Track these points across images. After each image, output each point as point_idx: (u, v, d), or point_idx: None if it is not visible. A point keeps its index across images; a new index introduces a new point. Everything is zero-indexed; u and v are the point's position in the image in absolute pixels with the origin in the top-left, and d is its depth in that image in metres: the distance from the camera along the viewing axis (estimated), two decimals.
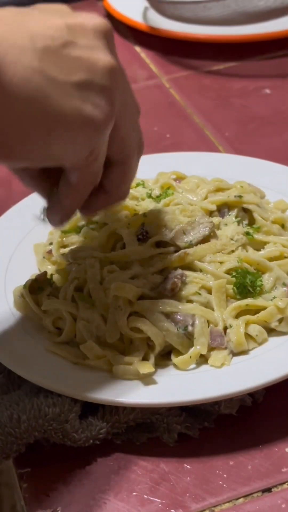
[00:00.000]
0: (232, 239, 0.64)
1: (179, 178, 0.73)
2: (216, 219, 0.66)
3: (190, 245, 0.63)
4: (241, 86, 1.02)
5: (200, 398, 0.54)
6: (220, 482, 0.53)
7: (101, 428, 0.55)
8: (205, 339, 0.58)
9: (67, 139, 0.46)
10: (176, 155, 0.81)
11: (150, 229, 0.64)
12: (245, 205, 0.68)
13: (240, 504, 0.52)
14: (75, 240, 0.67)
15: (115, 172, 0.54)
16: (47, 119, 0.45)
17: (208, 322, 0.59)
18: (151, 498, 0.52)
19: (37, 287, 0.64)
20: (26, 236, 0.70)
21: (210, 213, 0.67)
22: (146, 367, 0.56)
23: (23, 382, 0.58)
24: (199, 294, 0.60)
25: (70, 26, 0.47)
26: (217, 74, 1.06)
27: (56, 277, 0.64)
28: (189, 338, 0.58)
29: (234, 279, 0.61)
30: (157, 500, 0.52)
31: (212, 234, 0.64)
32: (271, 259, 0.64)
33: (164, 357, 0.59)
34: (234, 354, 0.58)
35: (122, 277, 0.60)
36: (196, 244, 0.63)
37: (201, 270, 0.62)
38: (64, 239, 0.67)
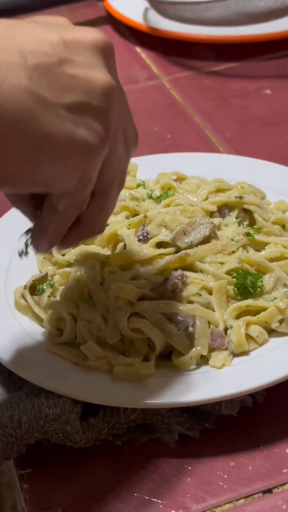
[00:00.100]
0: (232, 240, 0.64)
1: (180, 178, 0.73)
2: (216, 220, 0.66)
3: (191, 246, 0.63)
4: (241, 86, 1.02)
5: (201, 399, 0.54)
6: (221, 483, 0.53)
7: (101, 429, 0.55)
8: (206, 340, 0.58)
9: (56, 165, 0.43)
10: (177, 155, 0.81)
11: (150, 230, 0.64)
12: (245, 206, 0.68)
13: (241, 505, 0.52)
14: None
15: (93, 203, 0.49)
16: (34, 142, 0.42)
17: (209, 323, 0.59)
18: (152, 499, 0.52)
19: (38, 288, 0.64)
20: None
21: (211, 214, 0.67)
22: (146, 368, 0.56)
23: (23, 383, 0.58)
24: (200, 295, 0.60)
25: (67, 42, 0.43)
26: (217, 75, 1.06)
27: (56, 278, 0.64)
28: (190, 339, 0.58)
29: (234, 280, 0.61)
30: (157, 501, 0.52)
31: (212, 235, 0.64)
32: (271, 259, 0.64)
33: (165, 358, 0.59)
34: (235, 355, 0.58)
35: (122, 278, 0.60)
36: (196, 245, 0.63)
37: (201, 271, 0.62)
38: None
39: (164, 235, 0.64)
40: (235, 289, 0.61)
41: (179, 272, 0.61)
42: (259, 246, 0.65)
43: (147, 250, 0.63)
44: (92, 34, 0.45)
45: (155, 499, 0.52)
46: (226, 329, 0.59)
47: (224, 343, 0.58)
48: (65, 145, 0.43)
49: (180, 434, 0.55)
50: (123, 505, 0.52)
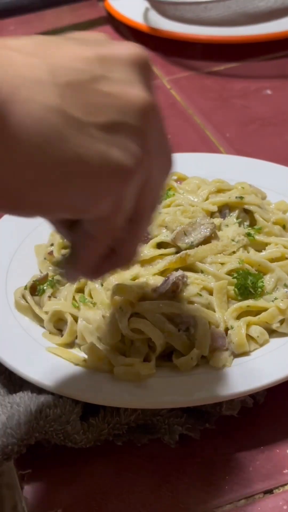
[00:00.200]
0: (233, 240, 0.64)
1: (180, 179, 0.73)
2: (217, 220, 0.66)
3: (191, 246, 0.63)
4: (242, 86, 1.02)
5: (201, 399, 0.54)
6: (222, 484, 0.53)
7: (102, 429, 0.55)
8: (206, 340, 0.58)
9: (87, 189, 0.40)
10: (177, 156, 0.81)
11: (151, 230, 0.64)
12: (246, 206, 0.67)
13: (242, 506, 0.51)
14: None
15: (127, 229, 0.45)
16: (63, 165, 0.38)
17: (210, 323, 0.59)
18: (152, 499, 0.52)
19: (38, 289, 0.64)
20: (27, 237, 0.70)
21: (211, 214, 0.67)
22: (147, 368, 0.56)
23: (24, 383, 0.58)
24: (200, 295, 0.60)
25: (102, 58, 0.40)
26: (218, 75, 1.06)
27: (57, 278, 0.64)
28: (190, 339, 0.58)
29: (235, 280, 0.61)
30: (158, 501, 0.52)
31: (213, 235, 0.64)
32: (272, 260, 0.64)
33: (165, 358, 0.59)
34: (236, 355, 0.58)
35: (123, 278, 0.60)
36: (197, 245, 0.63)
37: (202, 271, 0.62)
38: (65, 240, 0.67)
39: (165, 236, 0.64)
40: (236, 289, 0.61)
41: (180, 272, 0.61)
42: (260, 247, 0.65)
43: (147, 250, 0.63)
44: (129, 49, 0.42)
45: (155, 500, 0.52)
46: (226, 329, 0.59)
47: (225, 343, 0.58)
48: (97, 167, 0.39)
49: (180, 434, 0.55)
50: (123, 506, 0.52)
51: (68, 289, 0.63)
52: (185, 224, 0.64)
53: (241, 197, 0.67)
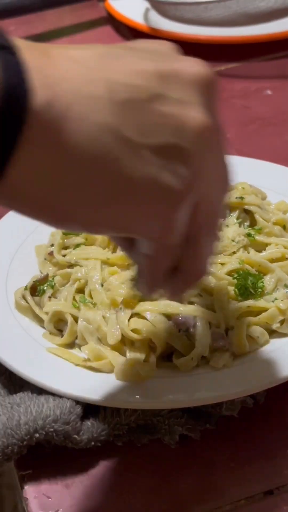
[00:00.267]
0: (233, 241, 0.64)
1: None
2: None
3: None
4: (242, 87, 1.02)
5: (202, 399, 0.54)
6: (222, 484, 0.53)
7: (102, 430, 0.55)
8: (207, 341, 0.58)
9: (135, 210, 0.39)
10: None
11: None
12: (246, 207, 0.67)
13: (242, 506, 0.51)
14: (76, 241, 0.67)
15: (186, 248, 0.44)
16: (112, 186, 0.38)
17: (210, 323, 0.59)
18: (152, 500, 0.52)
19: (39, 289, 0.64)
20: (28, 238, 0.70)
21: None
22: (147, 369, 0.56)
23: (24, 384, 0.58)
24: (201, 295, 0.60)
25: (163, 75, 0.39)
26: (218, 75, 1.05)
27: (57, 279, 0.64)
28: (191, 340, 0.58)
29: (235, 280, 0.61)
30: (158, 501, 0.52)
31: None
32: (272, 260, 0.64)
33: (166, 358, 0.59)
34: (236, 355, 0.58)
35: (123, 279, 0.60)
36: None
37: None
38: (65, 240, 0.67)
39: None
40: (236, 290, 0.60)
41: None
42: (260, 247, 0.65)
43: None
44: (192, 67, 0.40)
45: (155, 500, 0.52)
46: (227, 329, 0.59)
47: (225, 343, 0.58)
48: (145, 190, 0.39)
49: (180, 435, 0.55)
50: (123, 506, 0.52)
51: (68, 290, 0.63)
52: None
53: (241, 198, 0.67)
